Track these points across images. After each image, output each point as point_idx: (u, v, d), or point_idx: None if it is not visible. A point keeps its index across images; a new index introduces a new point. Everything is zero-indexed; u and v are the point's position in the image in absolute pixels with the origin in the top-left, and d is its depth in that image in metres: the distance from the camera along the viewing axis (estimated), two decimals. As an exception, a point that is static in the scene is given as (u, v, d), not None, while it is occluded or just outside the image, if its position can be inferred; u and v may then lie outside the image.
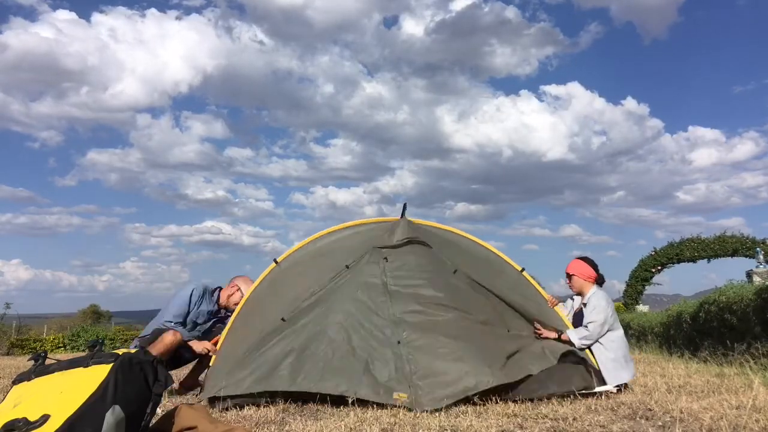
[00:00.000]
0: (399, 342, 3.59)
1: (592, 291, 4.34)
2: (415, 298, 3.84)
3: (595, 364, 4.01)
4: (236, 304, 4.50)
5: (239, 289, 4.59)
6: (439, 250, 4.24)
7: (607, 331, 4.15)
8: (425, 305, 3.81)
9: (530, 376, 3.63)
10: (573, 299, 4.50)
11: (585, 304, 4.30)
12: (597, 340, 4.11)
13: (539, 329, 4.14)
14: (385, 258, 4.05)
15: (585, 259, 4.47)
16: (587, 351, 4.10)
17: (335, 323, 3.77)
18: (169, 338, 4.26)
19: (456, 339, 3.65)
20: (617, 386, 4.02)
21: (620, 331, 4.25)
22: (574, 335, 4.08)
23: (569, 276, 4.42)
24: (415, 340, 3.62)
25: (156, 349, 4.15)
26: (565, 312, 4.39)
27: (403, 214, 4.37)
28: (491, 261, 4.48)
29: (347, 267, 4.07)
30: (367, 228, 4.43)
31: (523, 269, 4.44)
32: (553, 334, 4.11)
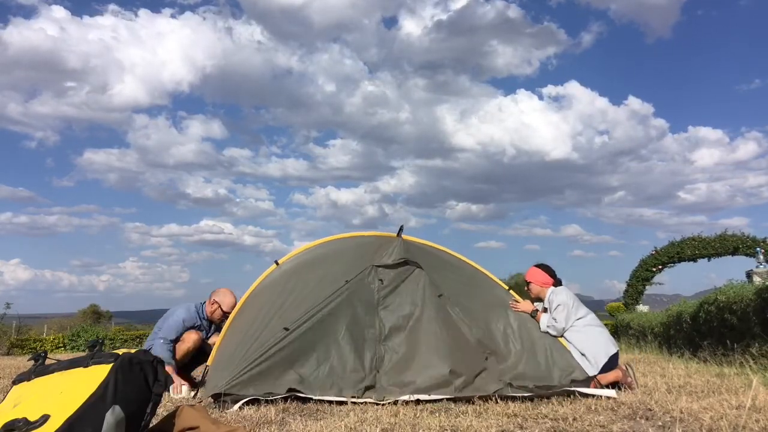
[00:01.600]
0: (378, 371, 3.88)
1: (550, 291, 4.59)
2: (401, 322, 4.10)
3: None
4: (220, 318, 4.83)
5: (219, 306, 4.85)
6: (430, 271, 4.41)
7: (576, 320, 4.39)
8: (407, 329, 4.07)
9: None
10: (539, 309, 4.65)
11: (546, 309, 4.53)
12: (562, 334, 4.35)
13: (515, 304, 4.45)
14: (380, 280, 4.24)
15: (541, 266, 4.77)
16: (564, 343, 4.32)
17: (332, 337, 3.92)
18: (192, 337, 4.70)
19: (431, 358, 3.94)
20: (616, 386, 4.10)
21: (588, 317, 4.46)
22: (544, 321, 4.37)
23: (527, 283, 4.75)
24: (394, 362, 3.92)
25: (180, 350, 4.66)
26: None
27: (399, 234, 4.52)
28: (478, 279, 4.68)
29: (347, 282, 4.18)
30: (366, 241, 4.58)
31: (510, 288, 4.67)
32: (530, 308, 4.43)
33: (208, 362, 4.15)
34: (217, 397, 3.58)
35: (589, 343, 4.27)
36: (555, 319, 4.33)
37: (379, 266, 4.30)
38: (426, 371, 3.86)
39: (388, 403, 3.59)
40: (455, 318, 4.23)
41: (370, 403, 3.59)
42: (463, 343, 4.10)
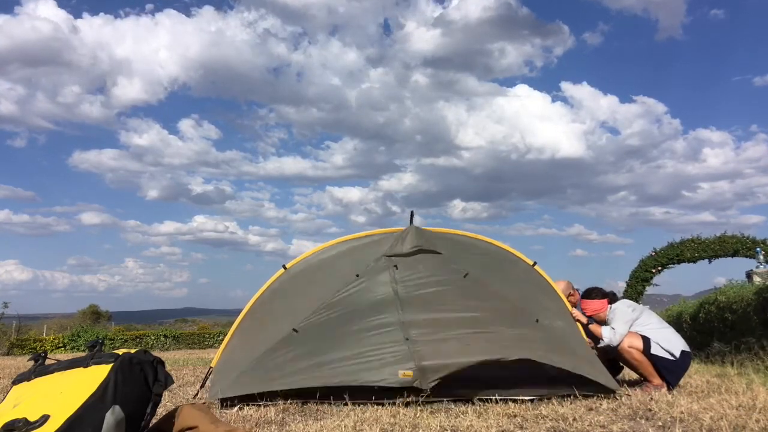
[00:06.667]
0: (407, 339, 3.61)
1: (609, 310, 4.38)
2: (425, 305, 3.88)
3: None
4: None
5: None
6: (449, 255, 4.26)
7: (642, 327, 4.22)
8: (435, 311, 3.85)
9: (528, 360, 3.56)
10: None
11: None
12: (618, 344, 4.15)
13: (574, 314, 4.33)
14: (395, 266, 4.09)
15: (588, 294, 4.53)
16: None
17: (347, 331, 3.78)
18: None
19: (465, 338, 3.70)
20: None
21: (653, 321, 4.31)
22: (605, 333, 4.19)
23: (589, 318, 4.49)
24: (424, 340, 3.64)
25: None
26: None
27: (411, 222, 4.41)
28: (502, 258, 4.54)
29: (357, 276, 4.09)
30: (376, 239, 4.47)
31: (535, 263, 4.52)
32: (583, 320, 4.33)
33: (212, 364, 4.14)
34: (221, 399, 3.58)
35: (661, 337, 4.17)
36: (614, 328, 4.16)
37: (392, 255, 4.16)
38: (465, 353, 3.56)
39: (425, 392, 3.42)
40: (487, 299, 4.00)
41: (371, 402, 3.56)
42: (505, 314, 3.88)
